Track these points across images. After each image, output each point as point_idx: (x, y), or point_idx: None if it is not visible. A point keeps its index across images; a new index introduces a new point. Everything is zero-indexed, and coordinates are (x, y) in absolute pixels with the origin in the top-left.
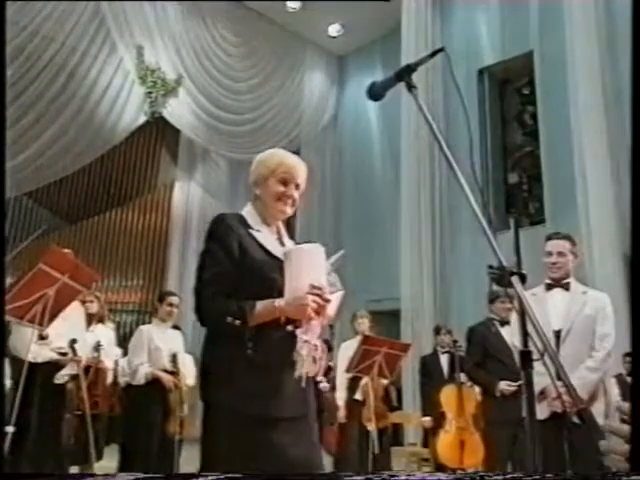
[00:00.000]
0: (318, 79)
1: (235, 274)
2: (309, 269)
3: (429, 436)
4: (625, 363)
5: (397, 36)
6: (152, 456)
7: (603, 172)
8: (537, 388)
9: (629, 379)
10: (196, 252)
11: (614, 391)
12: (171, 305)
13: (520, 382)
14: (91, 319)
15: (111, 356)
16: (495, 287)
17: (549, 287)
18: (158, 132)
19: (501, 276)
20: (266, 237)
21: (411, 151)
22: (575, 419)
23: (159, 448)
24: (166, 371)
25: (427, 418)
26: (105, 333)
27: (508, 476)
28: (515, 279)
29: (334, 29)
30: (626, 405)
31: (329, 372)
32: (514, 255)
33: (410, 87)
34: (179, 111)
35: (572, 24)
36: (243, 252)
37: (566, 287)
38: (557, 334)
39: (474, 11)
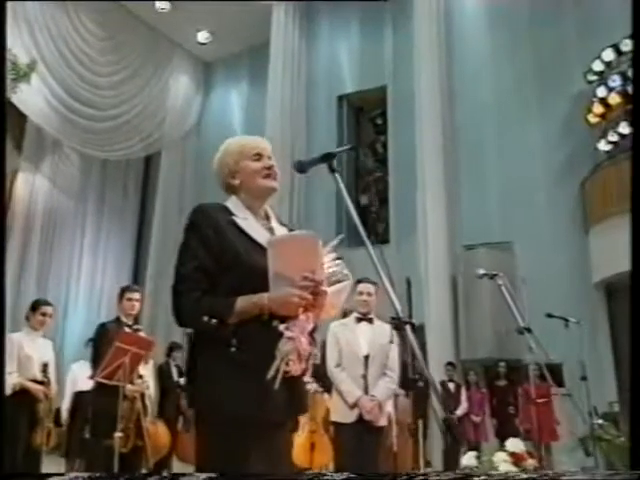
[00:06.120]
0: (184, 83)
1: (214, 266)
2: (298, 259)
3: None
4: (447, 371)
5: (265, 49)
6: (17, 469)
7: (439, 200)
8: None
9: (450, 385)
10: (39, 249)
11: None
12: (44, 315)
13: None
14: None
15: None
16: None
17: (358, 320)
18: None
19: (398, 325)
20: (250, 223)
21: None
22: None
23: (24, 460)
24: (35, 381)
25: None
26: None
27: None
28: (408, 328)
29: (203, 36)
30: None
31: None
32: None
33: (332, 170)
34: (30, 98)
35: (420, 66)
36: (220, 239)
37: (370, 321)
38: (366, 358)
39: (336, 38)
